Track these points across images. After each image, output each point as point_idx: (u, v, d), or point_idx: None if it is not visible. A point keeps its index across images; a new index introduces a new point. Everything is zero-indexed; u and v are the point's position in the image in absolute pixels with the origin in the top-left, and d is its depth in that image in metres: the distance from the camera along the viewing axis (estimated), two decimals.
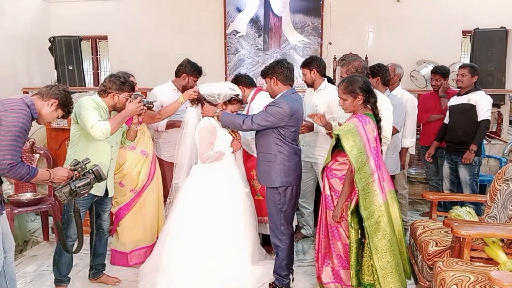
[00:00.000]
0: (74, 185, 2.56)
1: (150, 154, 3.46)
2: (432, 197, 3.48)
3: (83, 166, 2.61)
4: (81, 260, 3.24)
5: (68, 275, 3.08)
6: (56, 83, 2.81)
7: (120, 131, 3.06)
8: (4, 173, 2.30)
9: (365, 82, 2.77)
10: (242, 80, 3.62)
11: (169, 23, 7.69)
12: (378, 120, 2.78)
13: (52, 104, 2.56)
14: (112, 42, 8.05)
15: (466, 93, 4.01)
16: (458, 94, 4.11)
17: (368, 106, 2.78)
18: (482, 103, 3.92)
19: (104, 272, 3.28)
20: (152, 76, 7.21)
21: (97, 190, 2.92)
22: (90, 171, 2.62)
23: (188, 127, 3.22)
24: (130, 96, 2.95)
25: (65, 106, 2.62)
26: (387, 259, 2.64)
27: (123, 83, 2.92)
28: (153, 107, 3.04)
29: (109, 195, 3.10)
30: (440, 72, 4.55)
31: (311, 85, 3.72)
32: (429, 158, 4.36)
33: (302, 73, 3.75)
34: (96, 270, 3.24)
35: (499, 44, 6.32)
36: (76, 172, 2.60)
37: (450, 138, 4.13)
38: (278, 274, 3.08)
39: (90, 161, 2.65)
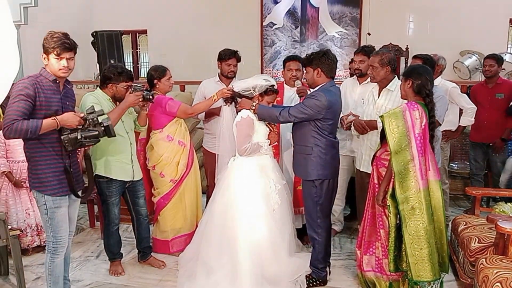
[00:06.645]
0: (81, 134, 2.48)
1: (187, 145, 3.53)
2: (475, 192, 3.38)
3: (95, 118, 2.53)
4: (130, 245, 3.58)
5: (120, 251, 3.37)
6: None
7: (131, 118, 3.24)
8: (6, 131, 2.31)
9: (425, 75, 2.71)
10: None
11: (206, 16, 7.77)
12: (431, 115, 2.72)
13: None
14: (151, 36, 8.24)
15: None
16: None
17: (420, 96, 2.72)
18: None
19: (151, 254, 3.48)
20: (191, 69, 7.34)
21: (126, 175, 3.15)
22: (102, 124, 2.54)
23: (224, 125, 3.27)
24: (130, 87, 3.04)
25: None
26: (420, 246, 2.60)
27: (120, 73, 3.06)
28: (153, 98, 3.10)
29: (136, 178, 3.24)
30: (496, 57, 4.38)
31: (362, 75, 3.61)
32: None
33: (358, 60, 3.59)
34: (143, 253, 3.47)
35: None
36: (87, 122, 2.52)
37: None
38: (314, 266, 3.09)
39: (103, 114, 2.58)
